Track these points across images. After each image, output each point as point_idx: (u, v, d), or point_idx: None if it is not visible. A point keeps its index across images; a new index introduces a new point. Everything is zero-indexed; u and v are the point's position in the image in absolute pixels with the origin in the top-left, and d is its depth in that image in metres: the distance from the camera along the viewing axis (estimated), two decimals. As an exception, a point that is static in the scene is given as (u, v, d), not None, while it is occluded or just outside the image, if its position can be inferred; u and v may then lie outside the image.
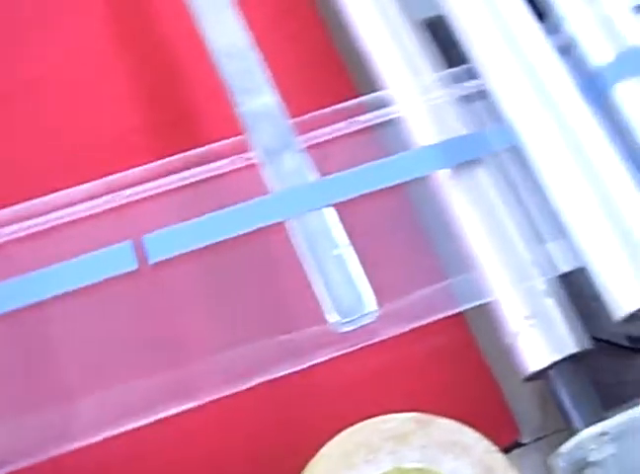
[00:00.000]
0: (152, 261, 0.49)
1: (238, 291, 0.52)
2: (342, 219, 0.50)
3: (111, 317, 0.50)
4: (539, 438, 0.54)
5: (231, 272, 0.52)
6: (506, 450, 0.51)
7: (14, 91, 0.61)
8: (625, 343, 0.57)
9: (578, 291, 0.53)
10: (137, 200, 0.52)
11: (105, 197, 0.51)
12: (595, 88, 0.53)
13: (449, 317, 0.50)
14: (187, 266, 0.50)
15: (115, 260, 0.49)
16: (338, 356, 0.49)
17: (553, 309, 0.51)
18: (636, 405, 0.49)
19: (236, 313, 0.51)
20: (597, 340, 0.54)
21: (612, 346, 0.57)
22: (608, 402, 0.53)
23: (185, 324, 0.51)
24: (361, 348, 0.49)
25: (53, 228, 0.51)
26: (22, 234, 0.51)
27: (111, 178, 0.52)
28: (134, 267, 0.49)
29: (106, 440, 0.46)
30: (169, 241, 0.50)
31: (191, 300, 0.52)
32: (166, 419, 0.47)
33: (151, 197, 0.52)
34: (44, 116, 0.61)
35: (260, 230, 0.50)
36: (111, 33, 0.64)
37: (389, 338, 0.49)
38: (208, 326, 0.51)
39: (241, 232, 0.50)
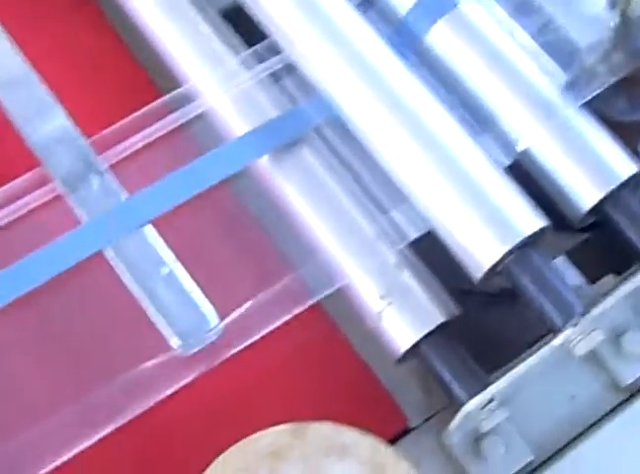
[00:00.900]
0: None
1: (69, 335, 0.47)
2: (163, 235, 0.46)
3: None
4: (428, 419, 0.50)
5: (58, 316, 0.47)
6: (395, 439, 0.48)
7: None
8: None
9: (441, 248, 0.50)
10: None
11: None
12: (404, 37, 0.49)
13: (309, 312, 0.46)
14: (10, 316, 0.46)
15: None
16: (198, 378, 0.44)
17: (410, 282, 0.47)
18: (516, 365, 0.46)
19: (71, 360, 0.46)
20: (470, 292, 0.51)
21: (489, 296, 0.54)
22: (495, 354, 0.50)
23: (18, 379, 0.46)
24: (223, 362, 0.45)
25: None
26: None
27: None
28: None
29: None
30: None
31: (22, 351, 0.47)
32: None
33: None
34: None
35: (79, 265, 0.45)
36: None
37: (251, 346, 0.45)
38: (45, 378, 0.46)
39: (58, 272, 0.45)
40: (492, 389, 0.46)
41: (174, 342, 0.44)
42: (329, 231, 0.47)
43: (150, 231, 0.46)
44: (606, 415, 0.51)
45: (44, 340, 0.47)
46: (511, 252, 0.45)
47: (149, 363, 0.44)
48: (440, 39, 0.49)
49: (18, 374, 0.46)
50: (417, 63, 0.49)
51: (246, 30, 0.54)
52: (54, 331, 0.47)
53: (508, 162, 0.47)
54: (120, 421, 0.43)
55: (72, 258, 0.45)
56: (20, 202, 0.47)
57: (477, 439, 0.49)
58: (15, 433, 0.42)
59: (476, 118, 0.48)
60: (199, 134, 0.49)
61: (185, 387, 0.45)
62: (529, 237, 0.46)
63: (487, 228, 0.45)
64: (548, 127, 0.47)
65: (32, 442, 0.42)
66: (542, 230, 0.46)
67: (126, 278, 0.45)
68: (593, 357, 0.51)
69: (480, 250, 0.45)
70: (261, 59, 0.51)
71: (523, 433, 0.49)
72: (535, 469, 0.50)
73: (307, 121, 0.49)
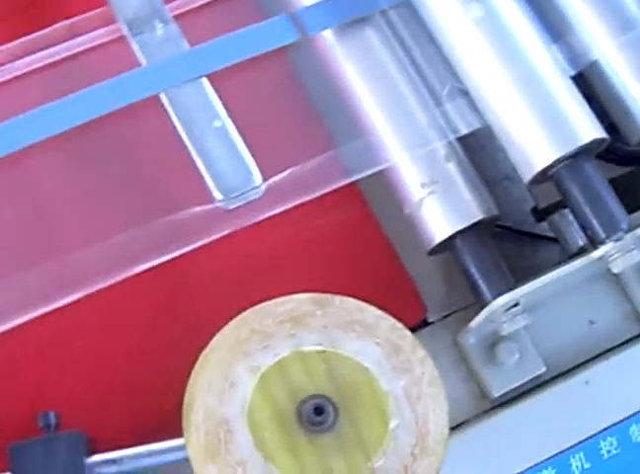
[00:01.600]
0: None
1: (116, 174, 0.47)
2: (218, 90, 0.46)
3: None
4: (447, 316, 0.51)
5: (107, 153, 0.47)
6: (412, 329, 0.48)
7: None
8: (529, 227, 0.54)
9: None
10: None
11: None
12: None
13: (344, 191, 0.46)
14: (59, 149, 0.46)
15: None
16: (227, 237, 0.45)
17: (455, 175, 0.47)
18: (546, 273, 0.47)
19: (117, 196, 0.47)
20: (500, 227, 0.52)
21: (517, 233, 0.54)
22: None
23: (63, 211, 0.47)
24: (253, 226, 0.45)
25: None
26: None
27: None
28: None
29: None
30: (55, 113, 0.45)
31: (67, 185, 0.48)
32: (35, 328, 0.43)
33: (15, 77, 0.47)
34: None
35: (133, 106, 0.45)
36: None
37: (282, 214, 0.45)
38: (89, 212, 0.47)
39: (114, 108, 0.45)
40: (518, 292, 0.46)
41: (217, 194, 0.45)
42: (381, 112, 0.47)
43: (207, 85, 0.46)
44: (624, 343, 0.52)
45: (94, 171, 0.47)
46: (565, 158, 0.45)
47: (191, 210, 0.45)
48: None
49: (60, 202, 0.47)
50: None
51: None
52: (104, 165, 0.47)
53: (574, 72, 0.47)
54: (155, 260, 0.44)
55: (129, 96, 0.45)
56: (84, 37, 0.47)
57: (493, 344, 0.50)
58: (54, 255, 0.44)
59: (550, 25, 0.48)
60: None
61: (217, 243, 0.45)
62: (586, 146, 0.46)
63: (545, 131, 0.45)
64: (621, 43, 0.47)
65: (71, 267, 0.43)
66: (599, 142, 0.46)
67: (179, 126, 0.45)
68: (619, 285, 0.52)
69: (535, 151, 0.45)
70: None
71: (539, 345, 0.50)
72: (545, 383, 0.50)
73: (375, 2, 0.48)
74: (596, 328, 0.52)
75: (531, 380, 0.50)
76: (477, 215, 0.47)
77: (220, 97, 0.46)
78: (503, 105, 0.46)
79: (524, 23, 0.47)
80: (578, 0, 0.48)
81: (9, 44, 0.47)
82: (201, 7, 0.48)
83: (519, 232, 0.54)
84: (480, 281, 0.47)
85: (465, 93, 0.47)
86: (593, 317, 0.52)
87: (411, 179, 0.47)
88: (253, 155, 0.45)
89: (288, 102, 0.49)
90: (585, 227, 0.47)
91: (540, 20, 0.48)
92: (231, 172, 0.45)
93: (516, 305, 0.47)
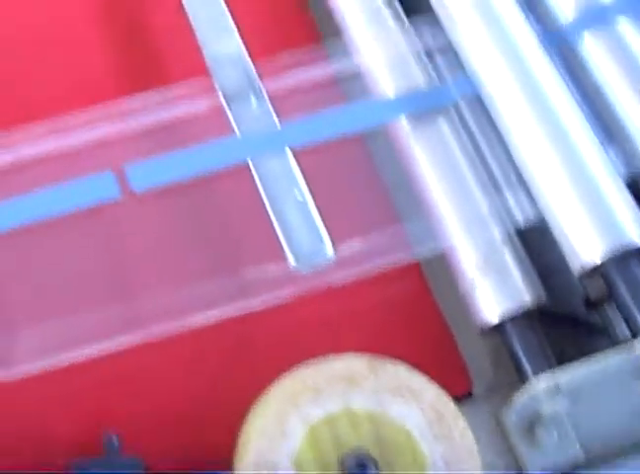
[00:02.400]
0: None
1: (202, 225, 0.52)
2: (300, 163, 0.51)
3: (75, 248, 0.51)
4: (491, 391, 0.53)
5: (195, 209, 0.52)
6: (457, 400, 0.50)
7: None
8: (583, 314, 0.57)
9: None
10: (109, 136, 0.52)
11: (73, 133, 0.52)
12: (557, 41, 0.53)
13: (405, 264, 0.50)
14: (151, 202, 0.51)
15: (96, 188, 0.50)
16: (290, 300, 0.49)
17: (509, 260, 0.51)
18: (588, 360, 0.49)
19: (197, 246, 0.52)
20: (555, 314, 0.54)
21: (568, 320, 0.57)
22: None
23: (143, 259, 0.52)
24: (316, 292, 0.49)
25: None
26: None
27: (75, 115, 0.52)
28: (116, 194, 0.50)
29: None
30: (150, 172, 0.50)
31: (153, 236, 0.52)
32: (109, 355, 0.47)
33: (120, 134, 0.52)
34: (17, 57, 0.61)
35: (224, 169, 0.51)
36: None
37: (344, 283, 0.49)
38: (171, 261, 0.52)
39: (204, 171, 0.50)
40: (559, 375, 0.49)
41: (290, 260, 0.49)
42: (446, 196, 0.52)
43: (291, 158, 0.51)
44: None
45: (179, 224, 0.52)
46: (614, 256, 0.48)
47: (265, 271, 0.49)
48: (589, 47, 0.53)
49: (145, 250, 0.51)
50: (561, 64, 0.53)
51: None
52: (190, 220, 0.52)
53: (627, 174, 0.51)
54: (222, 311, 0.48)
55: (222, 161, 0.50)
56: (184, 104, 0.53)
57: (533, 424, 0.52)
58: (132, 298, 0.48)
59: (606, 127, 0.52)
60: (347, 85, 0.54)
61: (284, 303, 0.49)
62: (634, 248, 0.48)
63: (597, 229, 0.48)
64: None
65: (149, 310, 0.48)
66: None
67: (263, 193, 0.50)
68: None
69: (586, 248, 0.48)
70: (420, 31, 0.55)
71: (579, 430, 0.51)
72: (582, 469, 0.51)
73: (449, 96, 0.53)
74: (637, 420, 0.54)
75: (568, 465, 0.51)
76: (527, 303, 0.50)
77: (301, 169, 0.51)
78: (558, 199, 0.50)
79: (583, 120, 0.51)
80: (636, 106, 0.52)
81: (112, 104, 0.52)
82: (293, 86, 0.53)
83: (570, 319, 0.56)
84: (524, 363, 0.50)
85: (524, 183, 0.51)
86: (635, 409, 0.54)
87: (467, 260, 0.51)
88: (326, 225, 0.50)
89: (361, 179, 0.53)
90: (628, 321, 0.49)
91: (599, 120, 0.53)
92: (305, 240, 0.49)
93: (557, 388, 0.50)
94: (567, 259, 0.50)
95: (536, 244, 0.54)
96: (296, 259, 0.49)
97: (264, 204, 0.50)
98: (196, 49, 0.53)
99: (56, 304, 0.48)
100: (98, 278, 0.50)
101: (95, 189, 0.49)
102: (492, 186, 0.52)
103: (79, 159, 0.51)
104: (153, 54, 0.60)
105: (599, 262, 0.49)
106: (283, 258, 0.49)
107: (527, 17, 0.54)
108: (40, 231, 0.49)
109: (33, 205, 0.49)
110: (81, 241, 0.50)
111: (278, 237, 0.49)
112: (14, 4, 0.62)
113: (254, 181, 0.50)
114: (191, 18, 0.54)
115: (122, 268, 0.51)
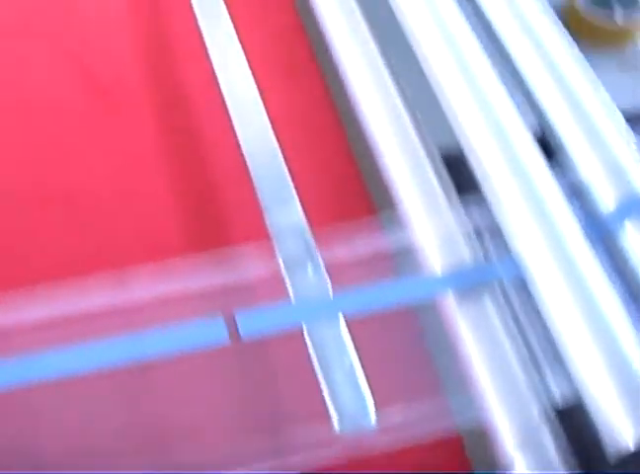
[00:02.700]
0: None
1: (250, 384, 0.55)
2: (351, 330, 0.54)
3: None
4: None
5: (247, 369, 0.55)
6: None
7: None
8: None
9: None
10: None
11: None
12: (600, 230, 0.57)
13: (445, 436, 0.52)
14: (202, 362, 0.54)
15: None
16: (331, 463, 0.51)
17: (545, 436, 0.53)
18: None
19: (242, 405, 0.54)
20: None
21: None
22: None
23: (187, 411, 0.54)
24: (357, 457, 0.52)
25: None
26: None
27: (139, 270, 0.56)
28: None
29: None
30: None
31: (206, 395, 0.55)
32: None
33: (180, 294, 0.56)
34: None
35: (277, 332, 0.54)
36: (157, 149, 0.70)
37: (387, 451, 0.52)
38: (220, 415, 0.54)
39: (260, 334, 0.53)
40: None
41: (335, 423, 0.51)
42: (487, 371, 0.54)
43: (343, 324, 0.54)
44: None
45: (230, 381, 0.55)
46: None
47: (310, 433, 0.52)
48: (631, 237, 0.57)
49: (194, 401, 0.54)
50: (604, 253, 0.56)
51: (459, 174, 0.63)
52: (241, 377, 0.55)
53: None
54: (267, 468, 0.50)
55: (278, 324, 0.53)
56: (244, 266, 0.56)
57: None
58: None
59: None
60: (400, 259, 0.58)
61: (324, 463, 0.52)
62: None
63: (633, 413, 0.51)
64: None
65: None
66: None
67: (314, 357, 0.53)
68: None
69: (621, 431, 0.51)
70: (470, 212, 0.59)
71: None
72: None
73: (495, 275, 0.56)
74: None
75: None
76: (561, 476, 0.53)
77: (352, 336, 0.54)
78: (595, 382, 0.52)
79: (620, 309, 0.54)
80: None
81: (178, 261, 0.56)
82: (348, 257, 0.56)
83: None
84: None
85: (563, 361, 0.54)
86: None
87: (506, 436, 0.53)
88: (372, 391, 0.52)
89: (409, 349, 0.56)
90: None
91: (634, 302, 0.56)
92: (351, 406, 0.51)
93: None
94: (603, 439, 0.52)
95: (574, 421, 0.56)
96: (340, 423, 0.51)
97: (313, 367, 0.53)
98: (260, 215, 0.57)
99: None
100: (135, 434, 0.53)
101: (204, 333, 0.52)
102: (532, 363, 0.55)
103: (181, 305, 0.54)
104: (221, 219, 0.64)
105: (632, 447, 0.51)
106: (328, 421, 0.51)
107: (571, 203, 0.58)
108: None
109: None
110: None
111: (324, 400, 0.52)
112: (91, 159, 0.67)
113: (305, 344, 0.53)
114: (257, 188, 0.58)
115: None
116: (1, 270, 0.63)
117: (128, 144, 0.70)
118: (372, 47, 0.65)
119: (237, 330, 0.51)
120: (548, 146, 0.63)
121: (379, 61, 0.65)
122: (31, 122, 0.73)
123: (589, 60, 0.84)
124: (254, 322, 0.52)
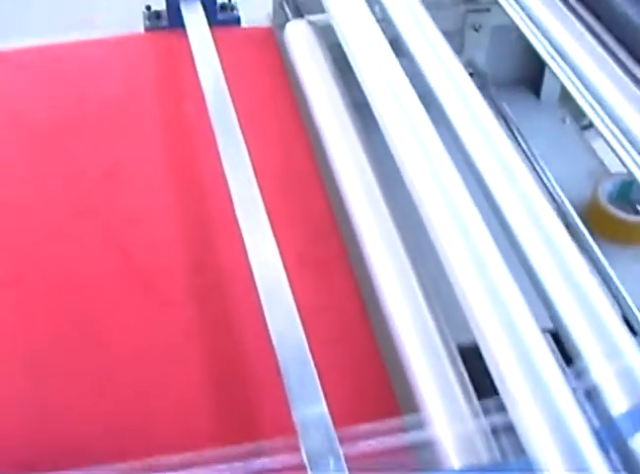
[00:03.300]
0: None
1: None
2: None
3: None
4: None
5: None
6: None
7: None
8: None
9: None
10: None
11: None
12: (614, 433, 0.59)
13: None
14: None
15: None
16: None
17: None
18: None
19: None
20: None
21: None
22: None
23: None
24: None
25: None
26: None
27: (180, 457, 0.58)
28: None
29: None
30: None
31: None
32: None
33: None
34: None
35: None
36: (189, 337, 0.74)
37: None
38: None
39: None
40: None
41: None
42: None
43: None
44: None
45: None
46: None
47: None
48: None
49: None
50: (616, 456, 0.58)
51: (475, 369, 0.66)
52: None
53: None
54: None
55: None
56: (271, 458, 0.59)
57: None
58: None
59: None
60: (419, 455, 0.60)
61: None
62: None
63: None
64: None
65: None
66: None
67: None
68: None
69: None
70: (487, 411, 0.62)
71: None
72: None
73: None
74: None
75: None
76: None
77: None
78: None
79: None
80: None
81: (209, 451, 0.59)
82: (368, 454, 0.59)
83: None
84: None
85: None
86: None
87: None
88: None
89: None
90: None
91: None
92: None
93: None
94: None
95: None
96: None
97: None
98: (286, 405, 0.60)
99: None
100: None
101: None
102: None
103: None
104: (248, 409, 0.67)
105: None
106: None
107: (584, 405, 0.60)
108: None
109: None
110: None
111: None
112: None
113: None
114: (283, 376, 0.61)
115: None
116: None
117: (161, 328, 0.74)
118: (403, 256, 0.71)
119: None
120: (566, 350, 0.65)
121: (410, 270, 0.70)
122: (67, 300, 0.77)
123: (608, 256, 0.88)
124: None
